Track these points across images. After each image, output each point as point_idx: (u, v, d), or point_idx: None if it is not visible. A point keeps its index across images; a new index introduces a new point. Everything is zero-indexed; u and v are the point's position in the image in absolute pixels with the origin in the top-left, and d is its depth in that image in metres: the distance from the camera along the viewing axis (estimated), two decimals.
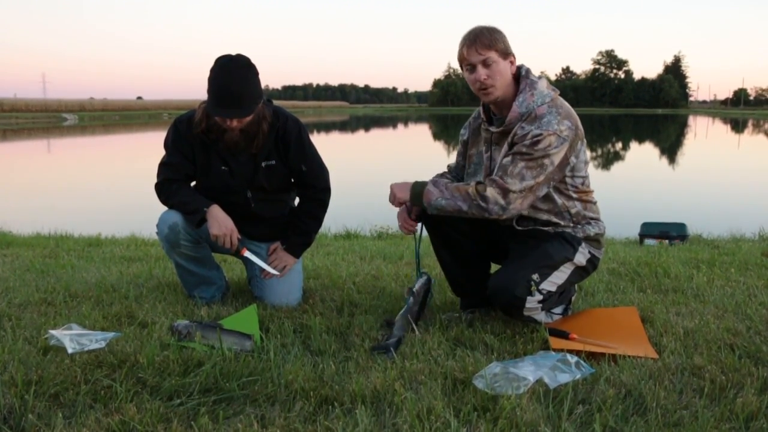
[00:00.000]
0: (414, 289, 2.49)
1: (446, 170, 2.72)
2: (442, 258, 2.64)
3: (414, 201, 2.38)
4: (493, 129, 2.38)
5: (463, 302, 2.67)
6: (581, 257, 2.40)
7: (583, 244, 2.41)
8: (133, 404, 1.73)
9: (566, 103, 2.34)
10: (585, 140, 2.37)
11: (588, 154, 2.42)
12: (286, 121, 2.73)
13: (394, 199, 2.44)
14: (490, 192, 2.24)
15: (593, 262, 2.46)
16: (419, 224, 2.55)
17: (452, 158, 2.82)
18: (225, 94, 2.46)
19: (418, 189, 2.36)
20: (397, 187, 2.42)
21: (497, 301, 2.35)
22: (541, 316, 2.42)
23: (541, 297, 2.31)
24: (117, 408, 1.72)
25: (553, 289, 2.35)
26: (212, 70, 2.48)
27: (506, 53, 2.29)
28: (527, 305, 2.30)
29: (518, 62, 2.37)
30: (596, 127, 45.65)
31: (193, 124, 2.64)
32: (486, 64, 2.27)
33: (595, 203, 2.47)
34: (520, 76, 2.34)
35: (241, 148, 2.64)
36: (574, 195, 2.38)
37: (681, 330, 2.35)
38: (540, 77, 2.36)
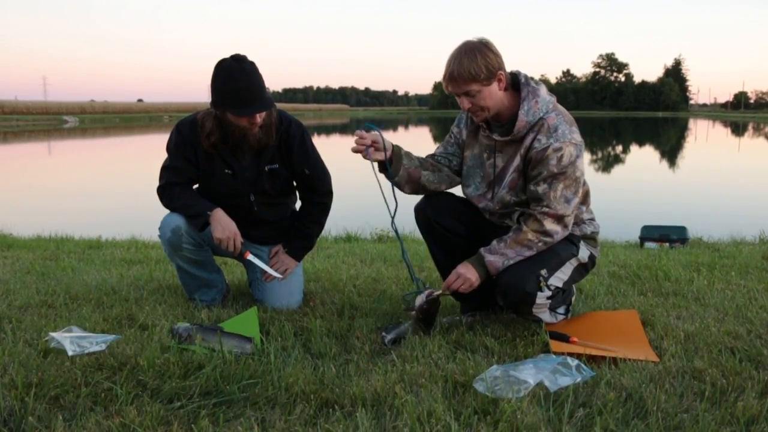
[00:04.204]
0: (416, 308, 2.34)
1: (430, 156, 2.62)
2: (439, 262, 2.65)
3: (484, 275, 2.33)
4: (497, 137, 2.37)
5: (463, 306, 2.67)
6: (583, 253, 2.44)
7: (582, 242, 2.45)
8: (134, 407, 1.73)
9: (563, 108, 2.35)
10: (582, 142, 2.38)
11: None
12: (290, 125, 2.73)
13: (470, 285, 2.33)
14: (549, 225, 2.27)
15: (592, 259, 2.50)
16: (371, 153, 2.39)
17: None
18: (248, 94, 2.48)
19: (478, 269, 2.32)
20: (469, 273, 2.32)
21: (507, 298, 2.36)
22: (546, 315, 2.44)
23: (549, 293, 2.34)
24: (117, 410, 1.72)
25: (560, 284, 2.39)
26: (222, 77, 2.48)
27: (490, 77, 2.22)
28: (537, 301, 2.33)
29: (516, 68, 2.34)
30: (596, 130, 45.63)
31: (196, 130, 2.64)
32: (469, 95, 2.25)
33: (589, 201, 2.50)
34: (519, 83, 2.31)
35: (263, 144, 2.65)
36: None
37: (681, 333, 2.35)
38: (539, 83, 2.34)
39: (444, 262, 2.61)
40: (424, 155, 2.61)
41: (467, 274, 2.32)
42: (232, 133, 2.59)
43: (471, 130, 2.51)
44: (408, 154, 2.50)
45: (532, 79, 2.34)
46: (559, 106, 2.33)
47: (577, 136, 2.27)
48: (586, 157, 2.43)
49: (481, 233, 2.51)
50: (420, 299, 2.37)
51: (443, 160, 2.58)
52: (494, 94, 2.26)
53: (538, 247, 2.30)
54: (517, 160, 2.33)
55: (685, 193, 11.87)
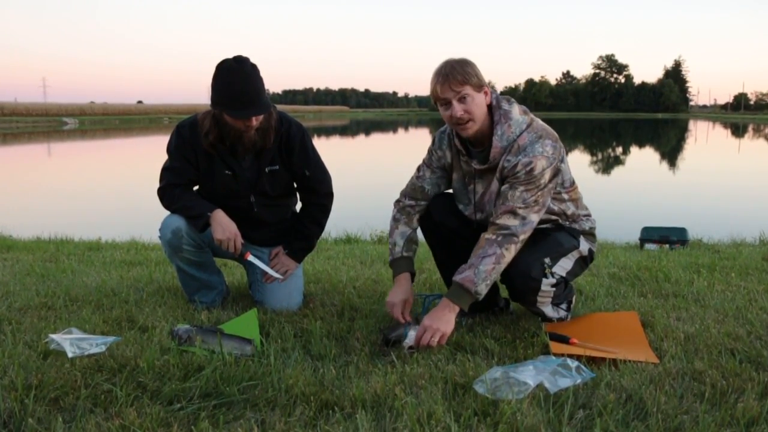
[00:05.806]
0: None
1: (406, 207, 2.57)
2: (440, 260, 2.67)
3: (465, 305, 2.24)
4: (476, 165, 2.37)
5: None
6: (584, 247, 2.49)
7: (581, 236, 2.50)
8: (134, 409, 1.73)
9: (539, 122, 2.35)
10: (564, 147, 2.37)
11: (566, 156, 2.42)
12: (290, 126, 2.74)
13: (442, 335, 2.21)
14: (503, 220, 2.25)
15: (591, 254, 2.55)
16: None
17: None
18: (245, 96, 2.48)
19: (458, 294, 2.23)
20: (437, 322, 2.20)
21: (513, 286, 2.38)
22: (549, 309, 2.46)
23: (554, 281, 2.37)
24: (117, 412, 1.72)
25: (563, 274, 2.42)
26: (221, 77, 2.49)
27: (480, 85, 2.25)
28: (542, 288, 2.35)
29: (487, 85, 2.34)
30: (596, 131, 45.64)
31: (196, 131, 2.64)
32: (461, 99, 2.24)
33: (581, 197, 2.52)
34: (492, 105, 2.32)
35: (258, 147, 2.65)
36: (566, 197, 2.44)
37: (681, 335, 2.35)
38: (511, 102, 2.34)
39: (446, 260, 2.64)
40: (418, 162, 2.62)
41: (434, 324, 2.20)
42: (228, 133, 2.59)
43: (455, 153, 2.50)
44: (414, 252, 2.56)
45: (504, 99, 2.35)
46: (535, 121, 2.34)
47: (549, 149, 2.27)
48: (586, 158, 2.44)
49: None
50: (407, 340, 2.23)
51: (431, 190, 2.56)
52: (481, 105, 2.28)
53: (499, 242, 2.23)
54: (494, 185, 2.36)
55: (685, 194, 11.87)
